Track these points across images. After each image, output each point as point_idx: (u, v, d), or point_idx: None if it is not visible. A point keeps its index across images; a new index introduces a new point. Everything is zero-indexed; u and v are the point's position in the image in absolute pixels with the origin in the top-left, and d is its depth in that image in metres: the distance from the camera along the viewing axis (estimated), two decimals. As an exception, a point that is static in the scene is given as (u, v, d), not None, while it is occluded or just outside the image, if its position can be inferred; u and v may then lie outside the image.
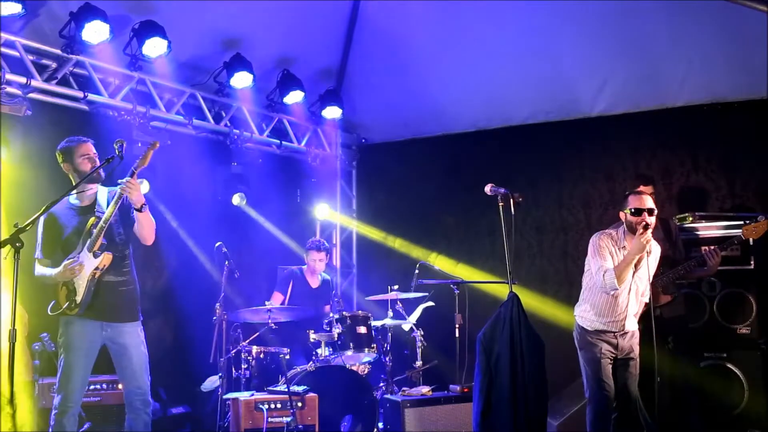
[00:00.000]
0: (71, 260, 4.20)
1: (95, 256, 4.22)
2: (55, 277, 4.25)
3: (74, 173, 4.37)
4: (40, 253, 4.34)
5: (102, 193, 4.45)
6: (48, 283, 4.31)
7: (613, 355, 4.65)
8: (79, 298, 4.22)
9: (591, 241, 4.79)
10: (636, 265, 4.61)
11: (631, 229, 4.64)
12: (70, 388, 4.17)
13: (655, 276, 5.21)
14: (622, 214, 4.74)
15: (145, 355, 4.37)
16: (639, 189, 5.40)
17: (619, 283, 4.54)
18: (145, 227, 4.36)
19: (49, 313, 4.32)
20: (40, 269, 4.32)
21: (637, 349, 4.73)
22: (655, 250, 4.77)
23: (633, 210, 4.62)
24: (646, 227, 4.52)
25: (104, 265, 4.24)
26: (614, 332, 4.66)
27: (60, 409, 4.15)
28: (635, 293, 4.69)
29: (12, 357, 3.55)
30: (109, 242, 4.29)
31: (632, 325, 4.72)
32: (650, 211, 4.60)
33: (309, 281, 6.64)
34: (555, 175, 7.12)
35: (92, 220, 4.29)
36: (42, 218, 4.27)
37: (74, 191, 4.34)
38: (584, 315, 4.76)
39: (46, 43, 5.53)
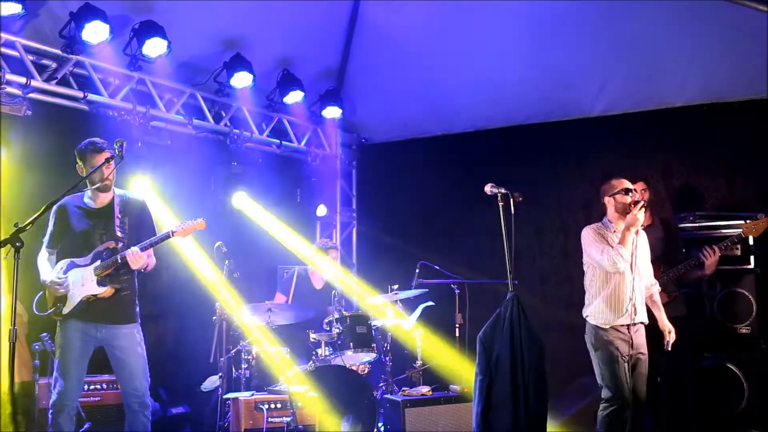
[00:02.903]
0: (59, 283, 4.23)
1: (99, 283, 4.25)
2: (42, 283, 4.30)
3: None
4: (47, 242, 4.39)
5: (118, 198, 4.44)
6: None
7: (629, 355, 4.61)
8: (66, 310, 4.26)
9: (582, 235, 4.82)
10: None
11: (623, 211, 4.70)
12: (65, 387, 4.19)
13: (655, 276, 5.22)
14: (609, 199, 4.78)
15: (142, 357, 4.36)
16: (633, 185, 5.48)
17: (623, 257, 4.55)
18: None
19: (35, 310, 4.35)
20: (41, 261, 4.37)
21: (645, 347, 4.71)
22: (643, 234, 4.81)
23: (624, 190, 4.72)
24: (637, 203, 4.61)
25: (103, 297, 4.27)
26: (628, 325, 4.61)
27: (56, 408, 4.18)
28: (638, 274, 4.69)
29: (12, 357, 3.54)
30: (117, 264, 4.30)
31: (643, 316, 4.70)
32: (635, 190, 4.74)
33: (313, 282, 6.62)
34: (555, 175, 7.12)
35: (111, 245, 4.30)
36: (54, 208, 4.31)
37: (87, 190, 4.37)
38: (597, 313, 4.69)
39: (46, 43, 5.53)
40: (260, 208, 7.07)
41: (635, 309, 4.63)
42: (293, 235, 7.13)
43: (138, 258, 4.24)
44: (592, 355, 4.72)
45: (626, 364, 4.59)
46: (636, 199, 4.69)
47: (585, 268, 4.86)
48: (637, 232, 4.72)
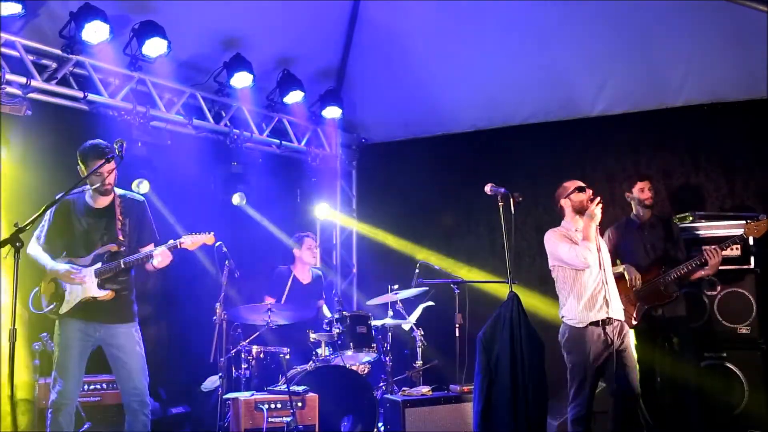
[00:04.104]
0: (76, 270, 4.22)
1: (99, 286, 4.25)
2: (50, 271, 4.26)
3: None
4: (43, 237, 4.35)
5: (119, 198, 4.43)
6: (38, 266, 4.32)
7: (606, 354, 4.62)
8: (63, 309, 4.25)
9: (546, 239, 4.89)
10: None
11: (580, 211, 4.80)
12: (64, 386, 4.20)
13: (656, 275, 5.23)
14: (565, 201, 4.88)
15: (141, 356, 4.36)
16: (637, 184, 5.48)
17: (591, 250, 4.62)
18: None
19: (31, 308, 4.34)
20: (36, 251, 4.32)
21: (628, 341, 4.73)
22: (599, 238, 4.86)
23: (578, 188, 4.83)
24: (593, 198, 4.72)
25: (103, 299, 4.27)
26: (603, 321, 4.62)
27: (55, 407, 4.18)
28: (606, 271, 4.72)
29: (12, 357, 3.55)
30: (119, 268, 4.30)
31: (619, 313, 4.72)
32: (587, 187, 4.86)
33: (300, 278, 6.61)
34: (555, 175, 7.06)
35: (113, 248, 4.30)
36: (56, 205, 4.27)
37: (89, 190, 4.35)
38: (572, 313, 4.72)
39: (46, 43, 5.53)
40: (260, 208, 7.07)
41: (607, 303, 4.65)
42: (283, 235, 7.12)
43: (167, 256, 4.32)
44: (564, 355, 4.77)
45: (595, 371, 4.62)
46: (591, 195, 4.78)
47: (553, 274, 4.89)
48: (597, 230, 4.77)
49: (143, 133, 6.02)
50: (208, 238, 4.43)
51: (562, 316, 4.82)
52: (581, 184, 4.86)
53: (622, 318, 4.76)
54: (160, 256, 4.32)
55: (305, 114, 7.51)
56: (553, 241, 4.82)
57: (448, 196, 7.66)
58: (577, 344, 4.66)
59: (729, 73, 6.14)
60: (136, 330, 4.41)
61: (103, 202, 4.39)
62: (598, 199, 4.73)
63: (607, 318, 4.64)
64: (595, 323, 4.63)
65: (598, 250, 4.72)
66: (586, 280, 4.68)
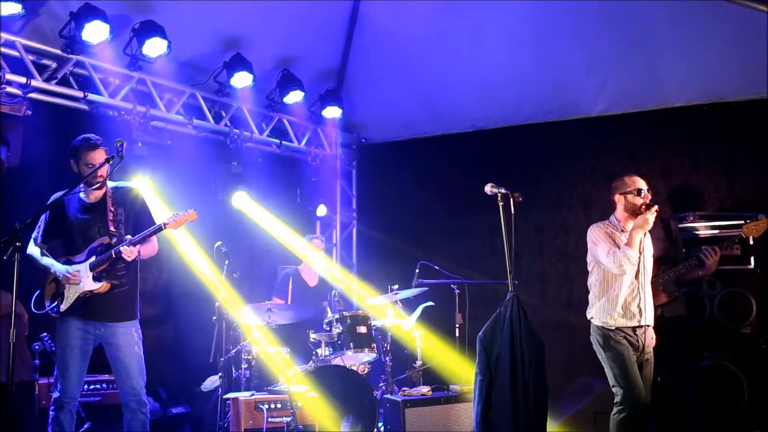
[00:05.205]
0: (73, 270, 4.23)
1: (95, 279, 4.25)
2: (50, 272, 4.28)
3: (79, 173, 4.35)
4: (40, 237, 4.36)
5: (110, 191, 4.42)
6: (37, 266, 4.33)
7: (636, 357, 4.57)
8: (63, 307, 4.26)
9: (589, 233, 4.76)
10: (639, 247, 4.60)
11: (632, 211, 4.64)
12: (66, 385, 4.21)
13: (655, 275, 5.22)
14: (619, 197, 4.72)
15: (139, 356, 4.37)
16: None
17: (630, 260, 4.49)
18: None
19: (32, 308, 4.36)
20: (35, 251, 4.34)
21: (651, 349, 4.67)
22: (648, 234, 4.73)
23: (636, 191, 4.64)
24: (649, 206, 4.55)
25: (99, 292, 4.27)
26: (633, 327, 4.56)
27: (57, 405, 4.20)
28: (644, 277, 4.63)
29: (12, 357, 3.55)
30: (111, 259, 4.29)
31: (650, 319, 4.64)
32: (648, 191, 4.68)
33: (307, 280, 6.62)
34: (555, 175, 7.12)
35: (106, 240, 4.30)
36: (50, 203, 4.27)
37: (81, 187, 4.34)
38: (603, 314, 4.63)
39: (46, 43, 5.53)
40: (260, 208, 7.07)
41: (641, 311, 4.57)
42: (293, 235, 7.13)
43: (130, 253, 4.24)
44: (601, 356, 4.65)
45: (636, 363, 4.52)
46: (648, 201, 4.62)
47: (589, 268, 4.81)
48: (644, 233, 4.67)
49: (143, 133, 6.02)
50: (190, 215, 4.37)
51: (591, 317, 4.72)
52: (641, 185, 4.67)
53: (652, 324, 4.66)
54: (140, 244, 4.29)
55: (305, 114, 7.51)
56: (595, 238, 4.69)
57: (448, 196, 7.66)
58: (612, 342, 4.56)
59: (729, 73, 6.14)
60: (136, 330, 4.41)
61: (96, 196, 4.40)
62: (655, 207, 4.56)
63: (639, 325, 4.58)
64: (626, 327, 4.57)
65: (640, 252, 4.57)
66: (621, 286, 4.58)
